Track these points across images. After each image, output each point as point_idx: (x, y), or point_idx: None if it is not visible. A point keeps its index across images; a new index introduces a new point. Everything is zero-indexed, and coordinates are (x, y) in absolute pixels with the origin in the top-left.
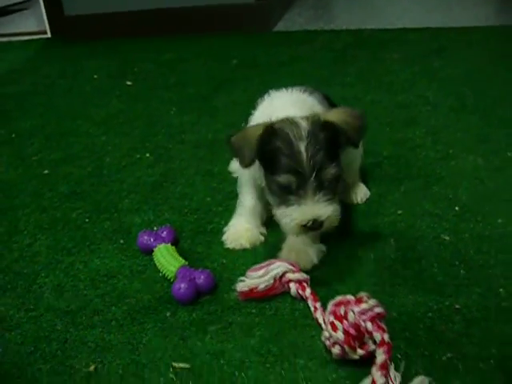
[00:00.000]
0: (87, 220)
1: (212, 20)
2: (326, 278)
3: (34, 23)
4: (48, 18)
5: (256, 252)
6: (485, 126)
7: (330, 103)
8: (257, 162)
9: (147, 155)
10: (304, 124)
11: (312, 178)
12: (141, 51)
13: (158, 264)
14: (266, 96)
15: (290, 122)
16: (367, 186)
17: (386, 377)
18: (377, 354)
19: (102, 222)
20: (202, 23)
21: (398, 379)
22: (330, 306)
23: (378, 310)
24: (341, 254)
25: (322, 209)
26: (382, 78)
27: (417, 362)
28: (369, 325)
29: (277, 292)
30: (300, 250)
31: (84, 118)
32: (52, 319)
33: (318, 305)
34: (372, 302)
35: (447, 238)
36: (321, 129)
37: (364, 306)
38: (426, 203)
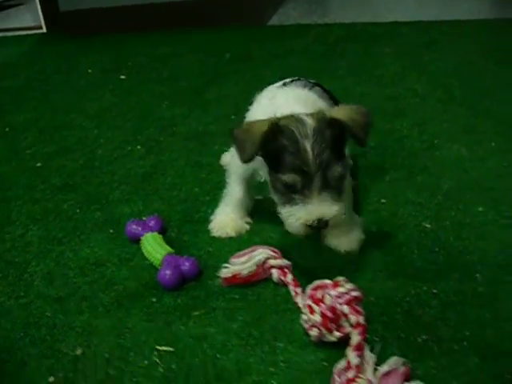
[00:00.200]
0: (78, 211)
1: (207, 14)
2: (307, 265)
3: (30, 18)
4: (43, 13)
5: (241, 240)
6: (471, 117)
7: (331, 97)
8: (259, 159)
9: (138, 147)
10: (310, 121)
11: (318, 177)
12: (135, 46)
13: (145, 252)
14: (264, 91)
15: (296, 119)
16: (354, 177)
17: (360, 357)
18: (352, 336)
19: (93, 212)
20: (196, 17)
21: (373, 360)
22: (308, 290)
23: (355, 293)
24: None
25: (327, 208)
26: (373, 71)
27: (393, 344)
28: (345, 308)
29: (259, 278)
30: (345, 235)
31: (78, 112)
32: (42, 306)
33: (298, 290)
34: (349, 285)
35: (428, 225)
36: (327, 126)
37: (341, 289)
38: (409, 192)
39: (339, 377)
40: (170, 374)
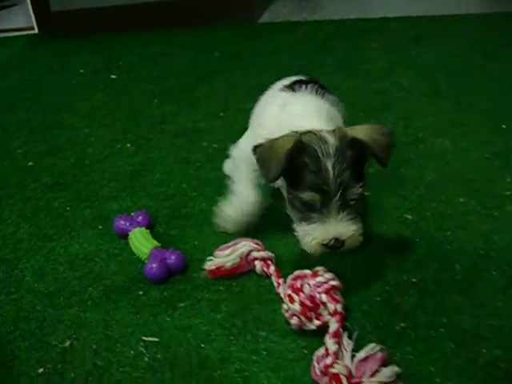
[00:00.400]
0: (68, 208)
1: (197, 13)
2: (290, 257)
3: (23, 19)
4: (35, 14)
5: (227, 234)
6: (456, 110)
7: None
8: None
9: (128, 145)
10: (332, 140)
11: (337, 197)
12: (126, 45)
13: (132, 247)
14: (270, 95)
15: (318, 136)
16: None
17: (338, 344)
18: (330, 323)
19: (83, 209)
20: (186, 16)
21: (351, 346)
22: (288, 280)
23: (334, 282)
24: None
25: (344, 228)
26: (360, 67)
27: (372, 332)
28: (323, 296)
29: (243, 270)
30: None
31: (69, 112)
32: (32, 301)
33: (281, 281)
34: (328, 275)
35: (410, 216)
36: (348, 146)
37: (319, 279)
38: (392, 185)
39: (318, 363)
40: (156, 363)
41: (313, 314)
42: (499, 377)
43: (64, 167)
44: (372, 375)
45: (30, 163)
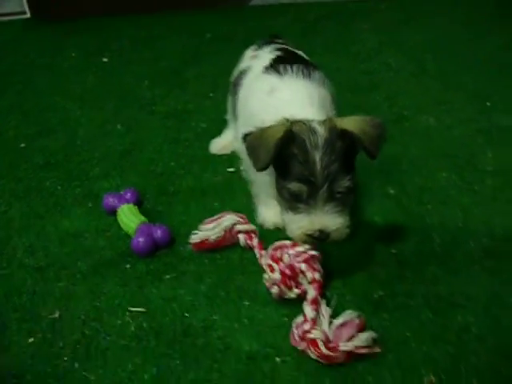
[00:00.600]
0: (59, 187)
1: None
2: (272, 230)
3: (15, 4)
4: None
5: (213, 209)
6: (442, 89)
7: (310, 63)
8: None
9: (118, 126)
10: (321, 131)
11: (324, 189)
12: (117, 28)
13: (120, 223)
14: (258, 80)
15: (308, 127)
16: None
17: (316, 311)
18: (308, 291)
19: (74, 188)
20: None
21: (329, 313)
22: (269, 251)
23: (313, 252)
24: None
25: (330, 220)
26: (349, 47)
27: (351, 300)
28: (302, 265)
29: (228, 243)
30: None
31: (61, 94)
32: (23, 275)
33: (263, 252)
34: (307, 245)
35: (392, 191)
36: (337, 137)
37: (299, 248)
38: (376, 161)
39: (297, 330)
40: (141, 332)
41: (292, 282)
42: (471, 340)
43: (55, 148)
44: (348, 340)
45: (22, 144)
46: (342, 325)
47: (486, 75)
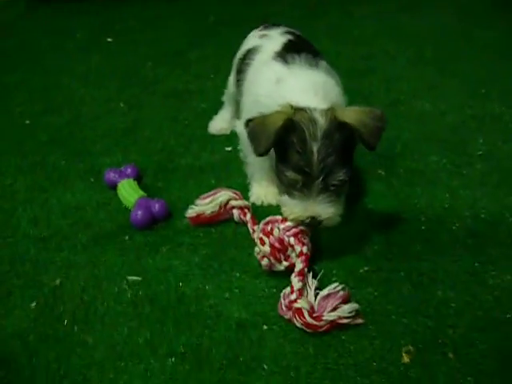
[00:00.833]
0: (63, 163)
1: None
2: (265, 206)
3: None
4: None
5: (210, 186)
6: (438, 76)
7: (314, 49)
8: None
9: (121, 105)
10: (321, 122)
11: (319, 180)
12: (123, 9)
13: (120, 197)
14: (265, 68)
15: (309, 117)
16: None
17: (303, 282)
18: (296, 263)
19: (76, 164)
20: None
21: (315, 285)
22: (260, 225)
23: (302, 227)
24: None
25: (323, 209)
26: (350, 32)
27: (337, 274)
28: (291, 239)
29: (222, 218)
30: None
31: (66, 73)
32: (27, 245)
33: (255, 227)
34: None
35: (383, 173)
36: (337, 129)
37: (289, 223)
38: None
39: (284, 299)
40: (137, 299)
41: (281, 255)
42: (449, 314)
43: (60, 125)
44: (332, 310)
45: (28, 121)
46: (327, 296)
47: (482, 63)
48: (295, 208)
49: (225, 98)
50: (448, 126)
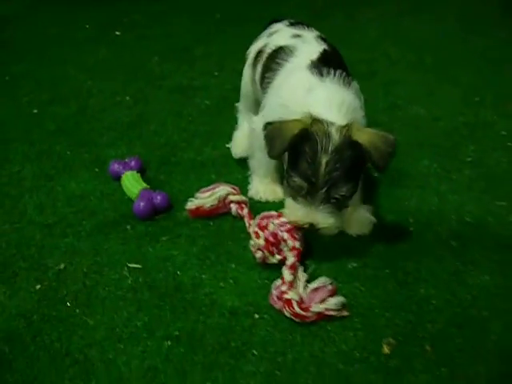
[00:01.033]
0: (69, 152)
1: None
2: (264, 204)
3: None
4: None
5: (210, 181)
6: (437, 82)
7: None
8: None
9: (127, 98)
10: (335, 137)
11: (322, 191)
12: (131, 3)
13: (124, 188)
14: (299, 75)
15: (324, 130)
16: None
17: (293, 275)
18: (287, 257)
19: (82, 154)
20: None
21: (305, 278)
22: (256, 220)
23: None
24: None
25: (322, 218)
26: (352, 36)
27: (327, 269)
28: (285, 234)
29: (220, 211)
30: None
31: (73, 65)
32: (32, 230)
33: (252, 222)
34: None
35: (375, 174)
36: (349, 146)
37: (283, 219)
38: None
39: (275, 290)
40: (137, 285)
41: (275, 249)
42: (429, 310)
43: (66, 115)
44: (320, 302)
45: (35, 111)
46: (316, 289)
47: (479, 71)
48: (297, 212)
49: (241, 108)
50: (441, 131)
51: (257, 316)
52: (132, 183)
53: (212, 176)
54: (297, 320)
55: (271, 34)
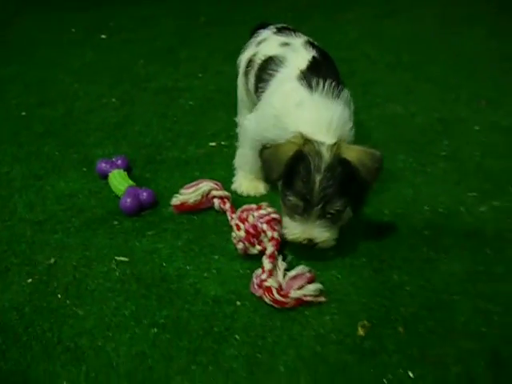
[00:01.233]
0: (57, 153)
1: None
2: (246, 198)
3: None
4: None
5: (194, 178)
6: (413, 80)
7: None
8: None
9: (113, 100)
10: (326, 156)
11: (318, 207)
12: (117, 7)
13: (111, 185)
14: (291, 89)
15: (316, 151)
16: None
17: (273, 264)
18: (267, 247)
19: (70, 154)
20: None
21: (284, 266)
22: (237, 213)
23: (274, 215)
24: None
25: (319, 233)
26: (332, 37)
27: (305, 258)
28: (264, 226)
29: (204, 206)
30: None
31: (60, 68)
32: (23, 227)
33: (234, 215)
34: (270, 209)
35: None
36: (339, 164)
37: (262, 211)
38: None
39: (256, 279)
40: (125, 277)
41: (255, 240)
42: (403, 295)
43: (54, 117)
44: (298, 289)
45: (23, 113)
46: (295, 276)
47: (454, 69)
48: (295, 230)
49: (239, 111)
50: (417, 128)
51: (238, 303)
52: (119, 181)
53: (196, 173)
54: (276, 306)
55: (259, 43)
